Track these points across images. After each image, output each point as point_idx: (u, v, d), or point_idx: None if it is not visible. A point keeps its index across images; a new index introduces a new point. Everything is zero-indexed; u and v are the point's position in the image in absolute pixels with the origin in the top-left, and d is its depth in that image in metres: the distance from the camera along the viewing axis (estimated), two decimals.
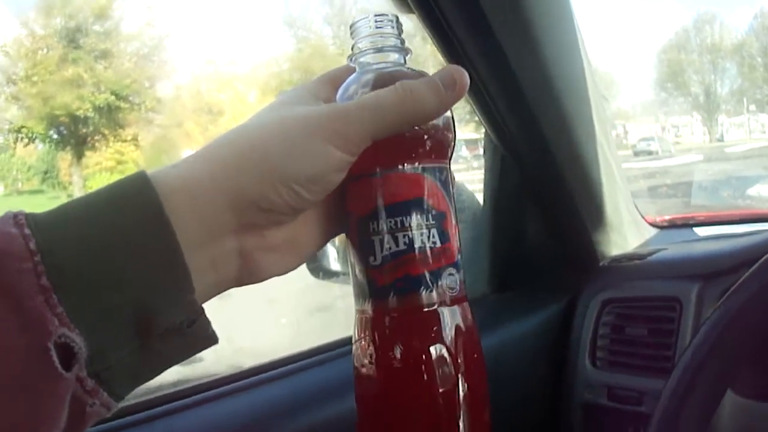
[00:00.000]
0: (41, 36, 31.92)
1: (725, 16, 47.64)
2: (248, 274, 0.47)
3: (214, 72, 58.05)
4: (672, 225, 1.60)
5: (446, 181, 0.50)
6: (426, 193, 0.48)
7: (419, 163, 0.47)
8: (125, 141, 50.44)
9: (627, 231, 1.35)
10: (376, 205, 0.46)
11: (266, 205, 0.41)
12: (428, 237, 0.48)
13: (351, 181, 0.46)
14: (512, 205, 1.27)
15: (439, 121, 0.49)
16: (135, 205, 0.37)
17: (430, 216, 0.48)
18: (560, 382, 1.22)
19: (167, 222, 0.36)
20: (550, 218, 1.26)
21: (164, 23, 35.70)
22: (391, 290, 0.47)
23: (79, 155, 35.52)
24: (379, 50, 0.52)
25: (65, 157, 43.38)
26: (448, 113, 0.50)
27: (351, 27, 0.54)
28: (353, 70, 0.53)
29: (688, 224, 1.59)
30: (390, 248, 0.46)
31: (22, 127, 33.47)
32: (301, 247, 0.50)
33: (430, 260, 0.48)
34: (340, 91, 0.51)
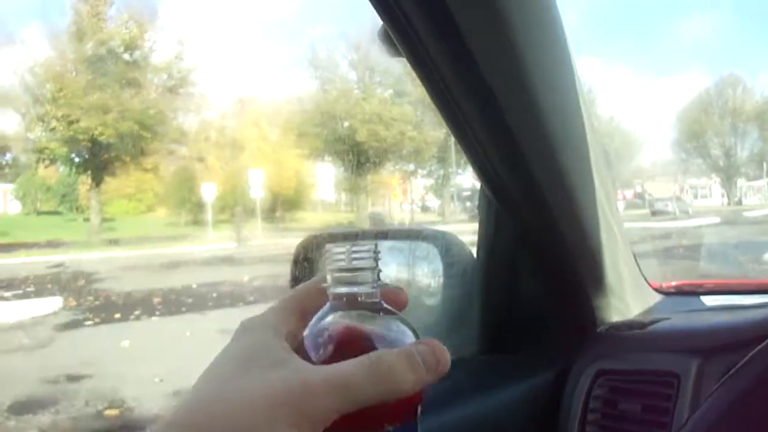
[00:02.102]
0: (71, 60, 32.52)
1: (748, 80, 47.72)
2: None
3: (238, 108, 57.45)
4: (679, 292, 1.53)
5: None
6: None
7: (385, 426, 0.45)
8: (146, 170, 50.97)
9: (629, 296, 1.27)
10: None
11: None
12: None
13: None
14: (506, 261, 1.21)
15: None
16: None
17: None
18: None
19: None
20: (546, 277, 1.20)
21: (193, 58, 36.34)
22: None
23: (98, 180, 35.92)
24: (353, 283, 0.50)
25: (85, 181, 43.75)
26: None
27: (327, 253, 0.52)
28: (322, 297, 0.52)
29: (695, 292, 1.52)
30: None
31: (45, 148, 33.91)
32: None
33: None
34: (307, 336, 0.50)
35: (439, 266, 1.20)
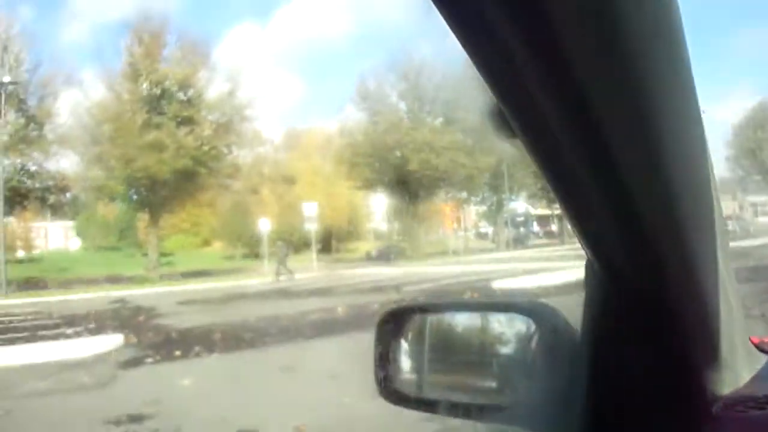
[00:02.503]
0: (127, 100, 33.38)
1: None
2: None
3: (290, 141, 59.12)
4: None
5: None
6: None
7: None
8: (202, 205, 51.76)
9: (739, 363, 1.14)
10: None
11: None
12: None
13: None
14: (613, 337, 1.09)
15: None
16: None
17: None
18: None
19: None
20: (657, 354, 1.07)
21: (245, 93, 37.00)
22: None
23: (156, 216, 36.58)
24: None
25: (143, 218, 44.63)
26: None
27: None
28: None
29: None
30: None
31: (104, 186, 34.70)
32: None
33: None
34: None
35: (535, 342, 1.10)
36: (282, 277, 27.78)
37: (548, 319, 1.10)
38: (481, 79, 0.72)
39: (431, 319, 1.39)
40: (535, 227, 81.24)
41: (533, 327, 1.11)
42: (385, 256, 49.01)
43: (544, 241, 62.78)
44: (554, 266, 19.62)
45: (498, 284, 14.79)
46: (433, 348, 1.32)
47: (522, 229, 76.12)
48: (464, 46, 0.68)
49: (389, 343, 1.24)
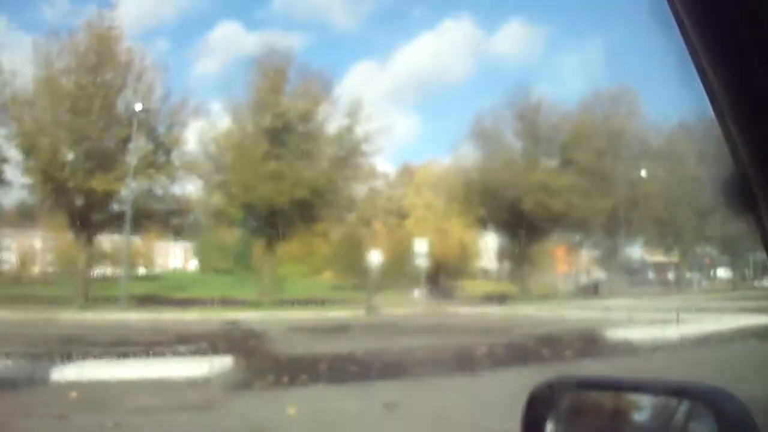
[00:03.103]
0: (250, 131, 34.66)
1: None
2: None
3: (404, 177, 59.89)
4: None
5: None
6: None
7: None
8: (316, 235, 52.91)
9: None
10: None
11: None
12: None
13: None
14: None
15: None
16: None
17: None
18: None
19: None
20: None
21: (363, 129, 37.65)
22: None
23: (271, 243, 37.51)
24: None
25: (259, 244, 45.92)
26: None
27: None
28: None
29: None
30: None
31: (224, 212, 36.00)
32: None
33: None
34: None
35: (710, 430, 0.97)
36: (371, 312, 27.26)
37: (721, 403, 0.97)
38: (723, 144, 0.66)
39: (586, 396, 1.28)
40: (651, 275, 78.18)
41: (705, 411, 0.99)
42: (495, 296, 48.34)
43: (659, 289, 60.27)
44: (671, 318, 18.74)
45: (612, 333, 14.23)
46: (588, 429, 1.20)
47: (637, 276, 73.38)
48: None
49: (539, 418, 1.15)
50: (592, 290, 60.64)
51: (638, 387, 1.23)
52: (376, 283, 41.27)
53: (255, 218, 38.98)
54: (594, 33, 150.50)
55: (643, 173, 46.25)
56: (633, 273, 71.59)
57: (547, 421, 1.16)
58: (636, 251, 71.22)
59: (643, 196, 44.53)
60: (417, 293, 39.20)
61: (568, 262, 49.51)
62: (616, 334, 14.26)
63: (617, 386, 1.27)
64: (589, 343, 12.96)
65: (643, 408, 1.26)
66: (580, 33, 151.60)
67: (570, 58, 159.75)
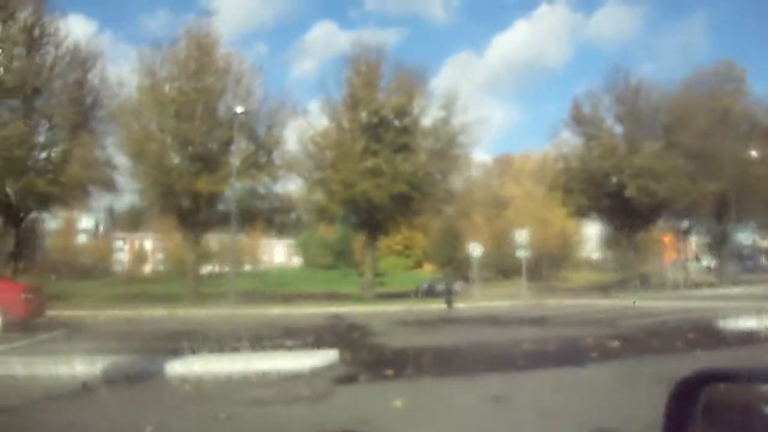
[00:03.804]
0: (348, 128, 35.12)
1: None
2: None
3: (502, 167, 59.75)
4: None
5: None
6: None
7: None
8: (415, 228, 53.48)
9: None
10: None
11: None
12: None
13: None
14: None
15: None
16: None
17: None
18: None
19: None
20: None
21: (459, 121, 37.45)
22: None
23: (372, 238, 37.93)
24: None
25: (360, 239, 46.78)
26: None
27: None
28: None
29: None
30: None
31: (325, 208, 36.71)
32: None
33: None
34: None
35: None
36: (453, 306, 26.77)
37: None
38: None
39: (740, 389, 1.18)
40: (764, 261, 74.57)
41: None
42: (597, 287, 47.11)
43: None
44: None
45: (725, 324, 13.62)
46: (737, 426, 1.11)
47: (748, 263, 70.11)
48: None
49: (685, 412, 1.08)
50: (713, 276, 58.30)
51: None
52: (479, 275, 40.95)
53: (355, 214, 39.50)
54: (694, 10, 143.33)
55: (753, 153, 43.99)
56: (745, 259, 68.51)
57: (693, 416, 1.09)
58: (747, 237, 68.09)
59: (754, 178, 42.31)
60: (519, 284, 38.69)
61: (676, 249, 47.72)
62: (731, 323, 13.63)
63: (764, 378, 1.17)
64: (702, 333, 12.45)
65: None
66: (680, 10, 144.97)
67: (670, 37, 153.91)
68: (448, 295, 27.77)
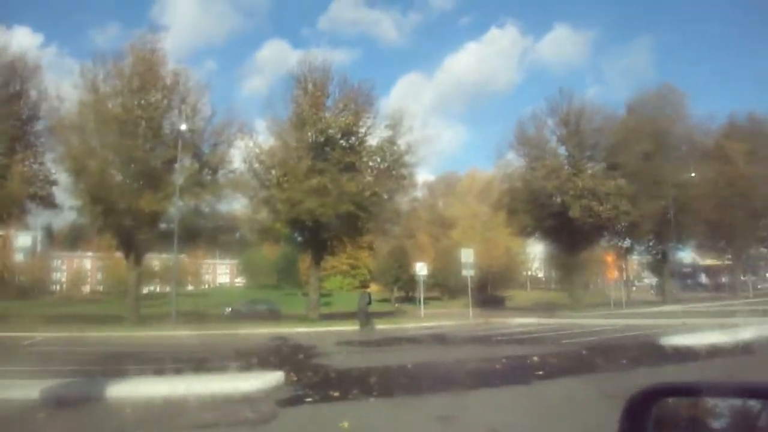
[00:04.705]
0: (293, 147, 34.99)
1: None
2: None
3: (447, 187, 60.39)
4: None
5: None
6: None
7: None
8: (361, 248, 53.49)
9: None
10: None
11: None
12: None
13: None
14: None
15: None
16: None
17: None
18: None
19: None
20: None
21: (403, 141, 37.66)
22: None
23: (318, 258, 37.74)
24: None
25: (305, 258, 46.49)
26: None
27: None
28: None
29: None
30: None
31: (270, 228, 36.32)
32: None
33: None
34: None
35: None
36: (365, 329, 26.00)
37: None
38: None
39: (687, 403, 1.19)
40: (704, 279, 76.74)
41: None
42: (542, 306, 47.73)
43: (713, 294, 59.01)
44: (730, 322, 18.28)
45: (666, 341, 13.90)
46: None
47: (689, 281, 72.02)
48: None
49: (638, 427, 1.07)
50: (654, 294, 59.50)
51: (728, 391, 1.14)
52: (423, 294, 41.05)
53: (300, 233, 39.34)
54: (639, 34, 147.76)
55: (692, 174, 45.36)
56: (685, 278, 70.35)
57: (646, 430, 1.09)
58: (687, 255, 69.99)
59: (693, 198, 43.61)
60: (465, 304, 38.95)
61: (618, 268, 48.68)
62: (671, 340, 13.93)
63: (709, 391, 1.18)
64: (644, 350, 12.68)
65: (724, 413, 1.18)
66: (626, 35, 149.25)
67: (617, 60, 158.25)
68: (364, 317, 27.13)
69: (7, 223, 39.92)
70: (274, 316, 25.98)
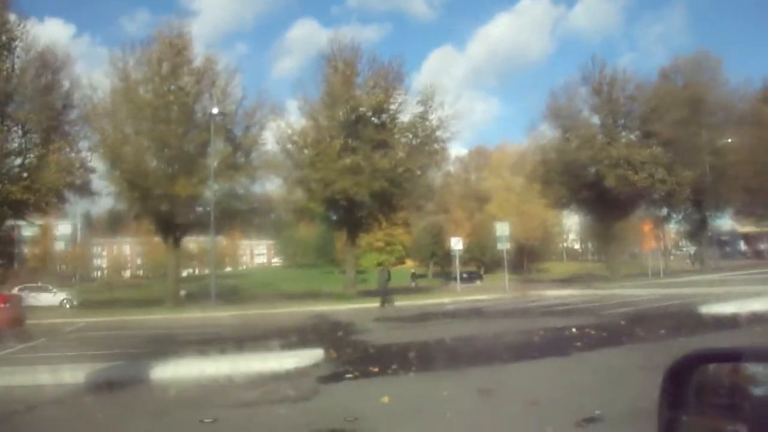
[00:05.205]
0: (325, 127, 34.97)
1: None
2: None
3: (479, 160, 59.91)
4: None
5: None
6: None
7: None
8: (396, 224, 53.43)
9: None
10: None
11: None
12: None
13: None
14: None
15: None
16: None
17: None
18: None
19: None
20: None
21: (435, 116, 37.44)
22: None
23: (353, 236, 37.80)
24: None
25: (341, 237, 46.68)
26: None
27: None
28: None
29: None
30: None
31: (305, 207, 36.47)
32: None
33: None
34: None
35: None
36: (386, 306, 26.13)
37: None
38: None
39: (728, 369, 1.19)
40: (742, 246, 75.44)
41: None
42: (579, 277, 47.38)
43: (752, 261, 58.01)
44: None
45: (706, 309, 13.75)
46: (731, 405, 1.11)
47: (727, 249, 70.86)
48: None
49: (678, 394, 1.07)
50: (692, 262, 58.62)
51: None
52: (459, 269, 40.97)
53: (335, 212, 39.40)
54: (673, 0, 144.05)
55: (729, 140, 44.44)
56: (723, 245, 69.20)
57: (686, 397, 1.09)
58: (725, 223, 68.77)
59: (730, 165, 42.71)
60: (501, 277, 38.82)
61: (655, 237, 48.02)
62: (711, 309, 13.77)
63: (748, 357, 1.17)
64: (683, 320, 12.56)
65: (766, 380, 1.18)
66: (659, 0, 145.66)
67: (650, 27, 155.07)
68: (384, 295, 27.24)
69: (47, 213, 40.58)
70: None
